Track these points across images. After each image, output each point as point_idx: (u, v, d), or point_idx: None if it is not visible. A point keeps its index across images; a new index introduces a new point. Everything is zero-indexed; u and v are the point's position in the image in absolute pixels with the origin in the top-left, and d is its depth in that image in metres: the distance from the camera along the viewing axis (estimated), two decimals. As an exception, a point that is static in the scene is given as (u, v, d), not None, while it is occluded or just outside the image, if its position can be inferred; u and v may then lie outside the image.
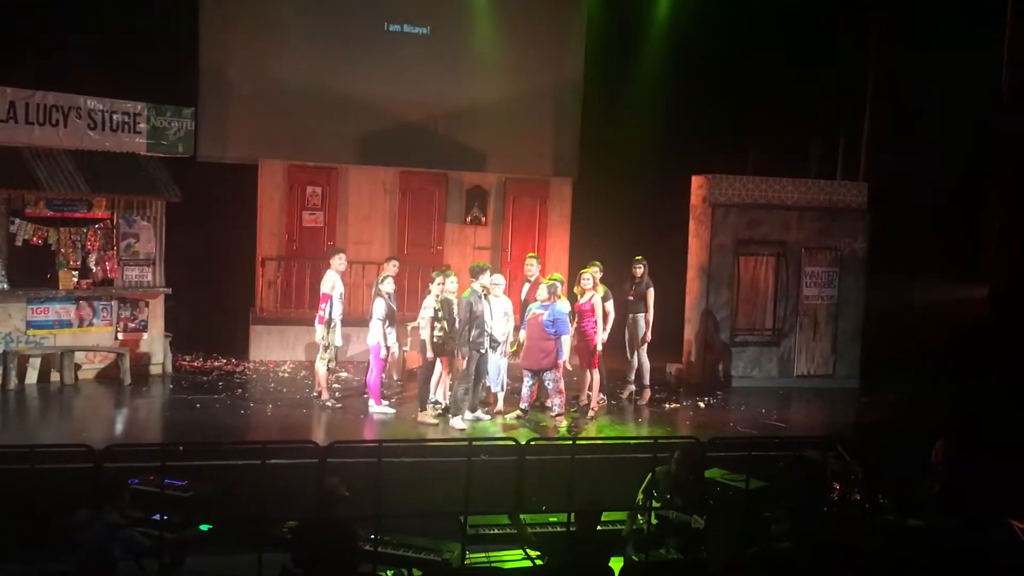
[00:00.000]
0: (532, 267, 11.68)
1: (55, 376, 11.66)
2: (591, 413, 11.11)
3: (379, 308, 10.86)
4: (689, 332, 13.61)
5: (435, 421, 10.51)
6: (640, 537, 7.44)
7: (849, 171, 15.77)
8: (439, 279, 10.66)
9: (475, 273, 10.55)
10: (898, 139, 15.37)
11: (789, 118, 16.03)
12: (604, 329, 11.23)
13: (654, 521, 7.44)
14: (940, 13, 14.70)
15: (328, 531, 6.65)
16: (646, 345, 12.00)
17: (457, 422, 10.31)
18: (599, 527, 6.94)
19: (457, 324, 10.32)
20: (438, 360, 10.66)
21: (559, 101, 16.29)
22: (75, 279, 11.92)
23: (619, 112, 16.67)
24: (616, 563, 6.93)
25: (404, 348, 12.35)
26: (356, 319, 12.63)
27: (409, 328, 12.17)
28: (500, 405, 11.06)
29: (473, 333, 10.27)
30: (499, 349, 10.88)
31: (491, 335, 10.60)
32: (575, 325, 11.02)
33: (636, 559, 7.30)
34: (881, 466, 8.19)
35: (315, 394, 11.37)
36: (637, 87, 16.80)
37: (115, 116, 12.31)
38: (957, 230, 14.97)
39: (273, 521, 7.18)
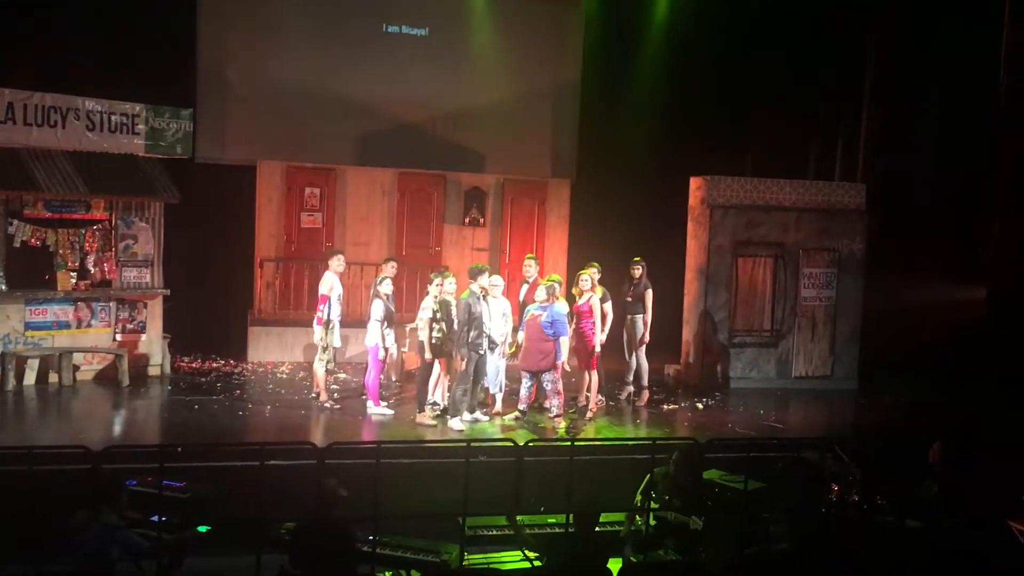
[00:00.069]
0: (530, 268, 11.67)
1: (53, 377, 11.65)
2: (589, 414, 11.10)
3: (377, 309, 10.85)
4: (687, 333, 13.62)
5: (433, 422, 10.51)
6: (638, 538, 7.44)
7: (848, 171, 15.78)
8: (437, 280, 10.66)
9: (474, 274, 10.55)
10: (897, 139, 15.37)
11: (788, 119, 16.03)
12: (602, 330, 11.23)
13: (652, 522, 7.44)
14: (939, 13, 14.71)
15: (326, 532, 6.64)
16: (644, 346, 12.01)
17: (455, 423, 10.31)
18: (597, 528, 6.93)
19: (456, 325, 10.32)
20: (436, 361, 10.66)
21: (558, 102, 16.29)
22: (73, 280, 11.91)
23: (617, 113, 16.66)
24: (614, 564, 6.92)
25: (402, 349, 12.36)
26: (354, 320, 12.62)
27: (408, 329, 12.17)
28: (498, 406, 11.05)
29: (472, 334, 10.27)
30: (497, 350, 10.87)
31: (489, 336, 10.60)
32: (573, 326, 11.02)
33: (634, 560, 7.30)
34: (879, 467, 8.19)
35: (313, 395, 11.36)
36: (635, 88, 16.79)
37: (113, 117, 12.32)
38: (956, 231, 14.97)
39: (271, 522, 7.17)
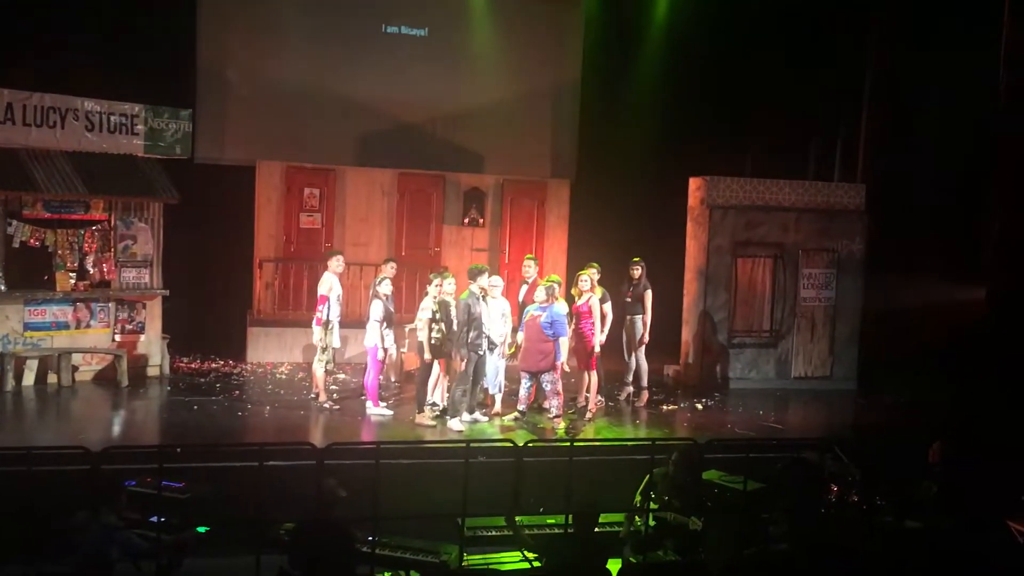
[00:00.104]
0: (530, 269, 11.68)
1: (52, 378, 11.64)
2: (589, 415, 11.10)
3: (377, 310, 10.85)
4: (687, 334, 13.62)
5: (433, 423, 10.50)
6: (638, 539, 7.43)
7: (847, 172, 15.77)
8: (437, 281, 10.66)
9: (473, 275, 10.55)
10: (897, 140, 15.37)
11: (788, 119, 16.03)
12: (602, 331, 11.23)
13: (652, 523, 7.43)
14: (939, 14, 14.70)
15: (326, 533, 6.64)
16: (644, 347, 12.01)
17: (455, 424, 10.31)
18: (597, 529, 6.93)
19: (455, 326, 10.32)
20: (436, 362, 10.65)
21: (557, 102, 16.28)
22: (72, 281, 11.91)
23: (617, 113, 16.66)
24: (614, 565, 6.92)
25: (402, 350, 12.35)
26: (354, 321, 12.61)
27: (407, 330, 12.17)
28: (498, 407, 11.05)
29: (471, 335, 10.26)
30: (497, 351, 10.87)
31: (489, 337, 10.60)
32: (573, 327, 11.02)
33: (634, 561, 7.29)
34: (879, 467, 8.19)
35: (313, 396, 11.36)
36: (635, 88, 16.79)
37: (112, 118, 12.32)
38: (955, 231, 14.96)
39: (271, 523, 7.17)
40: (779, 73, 15.88)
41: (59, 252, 11.90)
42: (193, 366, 13.24)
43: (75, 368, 11.83)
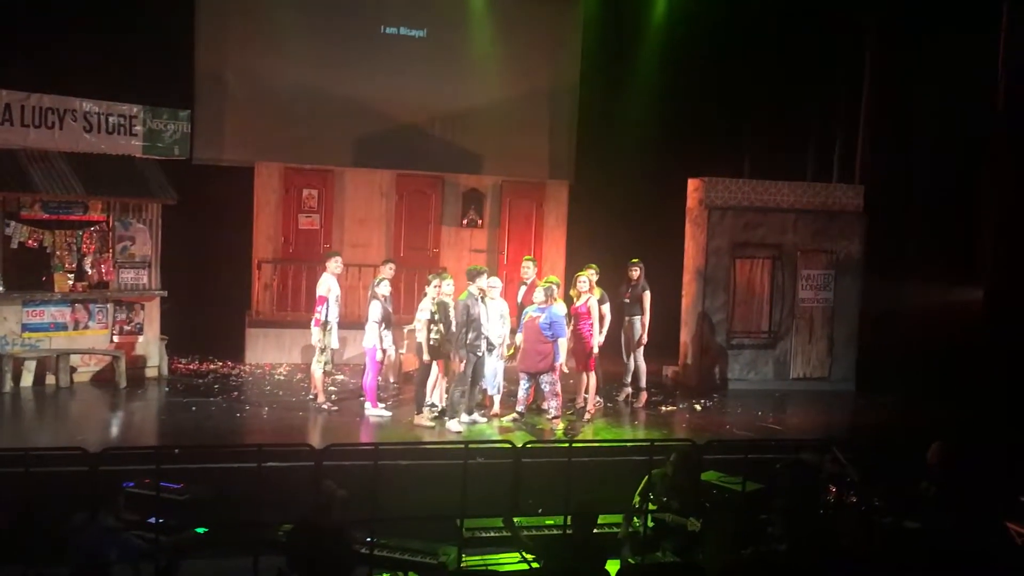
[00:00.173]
0: (528, 270, 11.68)
1: (50, 379, 11.64)
2: (587, 416, 11.10)
3: (375, 311, 10.85)
4: (685, 335, 13.62)
5: (431, 424, 10.50)
6: (636, 540, 7.43)
7: (846, 173, 15.78)
8: (435, 282, 10.65)
9: (472, 276, 10.55)
10: (895, 141, 15.38)
11: (786, 120, 16.04)
12: (600, 332, 11.23)
13: (650, 524, 7.43)
14: (937, 15, 14.70)
15: (324, 534, 6.64)
16: (642, 348, 12.00)
17: (453, 425, 10.30)
18: (595, 530, 6.93)
19: (453, 327, 10.32)
20: (434, 363, 10.65)
21: (556, 104, 16.26)
22: (70, 282, 11.91)
23: (616, 114, 16.66)
24: (612, 566, 6.91)
25: (400, 351, 12.34)
26: (352, 322, 12.61)
27: (405, 331, 12.16)
28: (496, 408, 11.05)
29: (470, 336, 10.26)
30: (495, 352, 10.87)
31: (487, 338, 10.60)
32: (571, 328, 11.02)
33: (632, 562, 7.29)
34: (877, 468, 8.19)
35: (311, 397, 11.36)
36: (634, 89, 16.79)
37: (111, 118, 12.31)
38: (953, 232, 14.98)
39: (269, 524, 7.16)
40: (777, 74, 15.90)
41: (57, 253, 11.90)
42: (191, 367, 13.23)
43: (73, 369, 11.83)
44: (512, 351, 11.13)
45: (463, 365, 10.30)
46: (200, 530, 7.20)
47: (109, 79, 12.86)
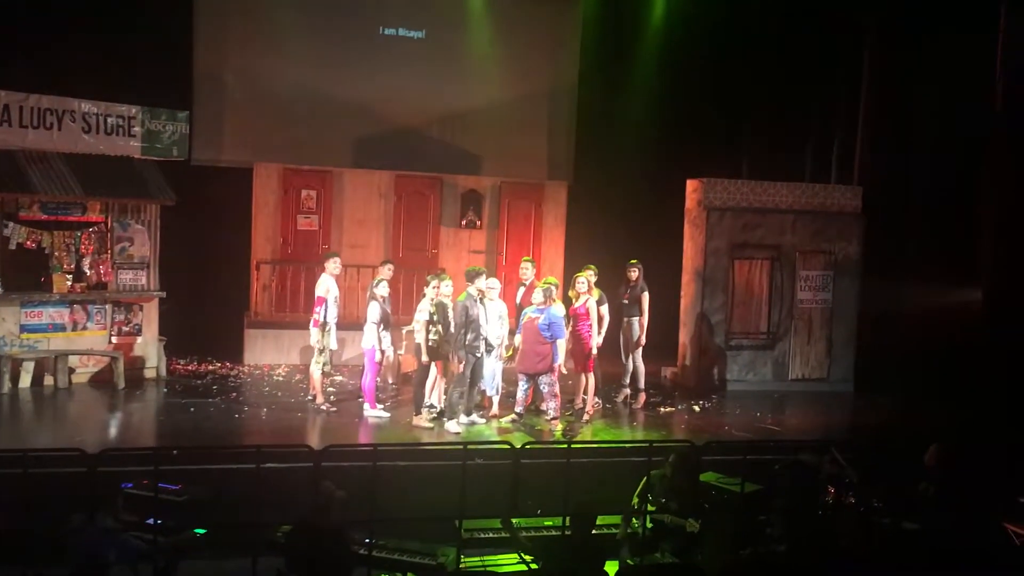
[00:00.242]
0: (527, 271, 11.69)
1: (49, 380, 11.64)
2: (586, 417, 11.10)
3: (374, 312, 10.84)
4: (684, 336, 13.62)
5: (430, 425, 10.50)
6: (635, 541, 7.43)
7: (844, 173, 15.79)
8: (434, 283, 10.64)
9: (470, 277, 10.55)
10: (894, 141, 15.38)
11: (785, 121, 16.04)
12: (599, 333, 11.23)
13: (649, 525, 7.43)
14: (936, 15, 14.71)
15: (323, 535, 6.63)
16: (641, 349, 12.00)
17: (452, 426, 10.30)
18: (594, 531, 6.92)
19: (452, 328, 10.32)
20: (433, 364, 10.65)
21: (554, 104, 16.26)
22: (69, 283, 11.90)
23: (614, 115, 16.64)
24: (611, 567, 6.91)
25: (399, 352, 12.33)
26: (351, 323, 12.59)
27: (404, 332, 12.15)
28: (495, 409, 11.04)
29: (468, 337, 10.26)
30: (494, 353, 10.87)
31: (486, 339, 10.59)
32: (570, 329, 11.02)
33: (631, 563, 7.28)
34: (876, 469, 8.19)
35: (310, 398, 11.35)
36: (632, 90, 16.78)
37: (109, 119, 12.31)
38: (953, 232, 14.99)
39: (267, 525, 7.16)
40: (776, 74, 15.90)
41: (56, 254, 11.89)
42: (190, 368, 13.22)
43: (72, 370, 11.82)
44: (511, 352, 11.12)
45: (462, 366, 10.30)
46: (199, 531, 7.19)
47: (108, 80, 12.85)
